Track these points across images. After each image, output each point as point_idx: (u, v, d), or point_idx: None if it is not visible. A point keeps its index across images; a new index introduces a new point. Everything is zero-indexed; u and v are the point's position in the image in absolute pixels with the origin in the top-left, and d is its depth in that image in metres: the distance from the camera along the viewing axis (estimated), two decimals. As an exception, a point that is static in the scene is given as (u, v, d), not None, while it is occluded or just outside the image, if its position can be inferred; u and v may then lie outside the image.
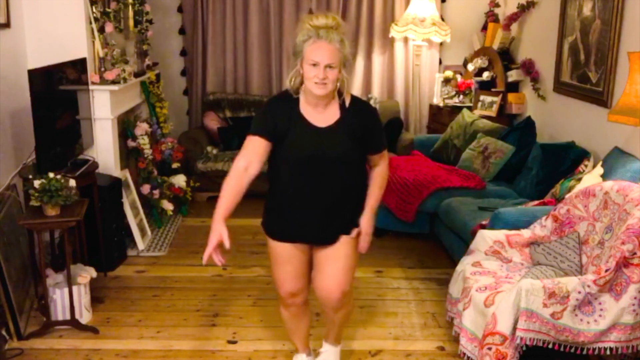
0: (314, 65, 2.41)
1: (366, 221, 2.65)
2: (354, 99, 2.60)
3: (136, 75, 4.85)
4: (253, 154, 2.51)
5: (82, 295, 3.47)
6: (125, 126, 4.78)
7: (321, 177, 2.54)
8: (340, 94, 2.54)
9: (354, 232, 2.63)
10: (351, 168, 2.59)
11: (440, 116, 5.98)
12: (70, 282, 3.35)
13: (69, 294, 3.36)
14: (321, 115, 2.53)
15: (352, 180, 2.61)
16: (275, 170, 2.61)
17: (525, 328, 2.68)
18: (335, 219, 2.61)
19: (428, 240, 4.69)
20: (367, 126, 2.58)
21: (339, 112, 2.54)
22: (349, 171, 2.59)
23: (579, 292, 2.71)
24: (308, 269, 2.74)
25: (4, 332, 3.21)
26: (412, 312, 3.68)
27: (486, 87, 5.62)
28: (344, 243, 2.63)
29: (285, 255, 2.67)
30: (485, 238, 3.36)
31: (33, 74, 3.45)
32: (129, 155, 4.90)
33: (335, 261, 2.64)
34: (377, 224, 4.55)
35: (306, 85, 2.47)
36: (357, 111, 2.57)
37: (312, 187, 2.55)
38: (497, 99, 5.48)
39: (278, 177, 2.60)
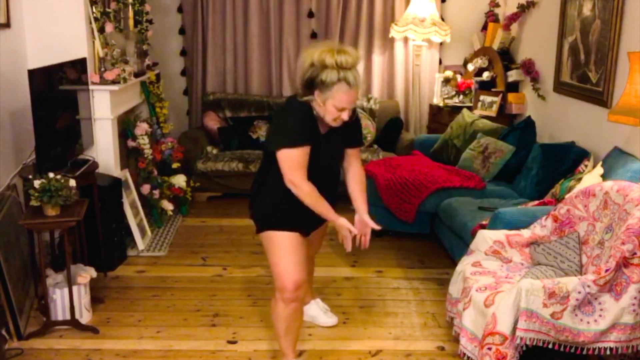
0: (341, 110, 2.59)
1: (368, 219, 2.85)
2: None
3: (136, 75, 4.85)
4: (305, 166, 2.66)
5: (82, 295, 3.47)
6: (125, 126, 4.78)
7: (323, 173, 2.77)
8: None
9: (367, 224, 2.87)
10: (339, 162, 2.92)
11: (440, 116, 5.98)
12: (70, 282, 3.35)
13: (69, 294, 3.36)
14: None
15: (338, 172, 2.91)
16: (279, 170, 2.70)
17: (525, 328, 2.68)
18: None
19: (428, 240, 4.69)
20: (352, 124, 2.79)
21: None
22: (338, 165, 2.92)
23: (579, 292, 2.71)
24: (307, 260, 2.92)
25: (4, 332, 3.21)
26: (412, 312, 3.68)
27: (486, 87, 5.62)
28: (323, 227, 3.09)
29: (294, 243, 2.79)
30: (485, 238, 3.36)
31: (33, 74, 3.45)
32: (129, 155, 4.90)
33: (320, 235, 3.18)
34: (377, 223, 4.62)
35: (324, 117, 2.64)
36: None
37: (317, 183, 2.71)
38: (497, 99, 5.47)
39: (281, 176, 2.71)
